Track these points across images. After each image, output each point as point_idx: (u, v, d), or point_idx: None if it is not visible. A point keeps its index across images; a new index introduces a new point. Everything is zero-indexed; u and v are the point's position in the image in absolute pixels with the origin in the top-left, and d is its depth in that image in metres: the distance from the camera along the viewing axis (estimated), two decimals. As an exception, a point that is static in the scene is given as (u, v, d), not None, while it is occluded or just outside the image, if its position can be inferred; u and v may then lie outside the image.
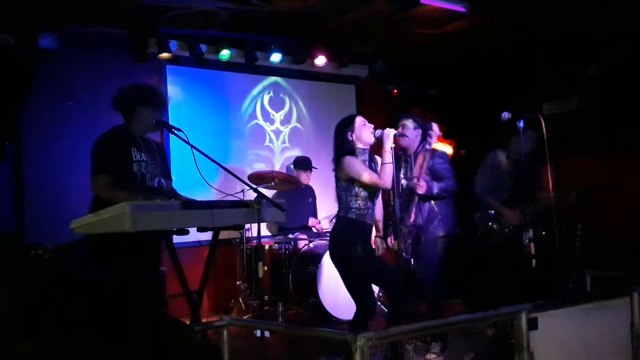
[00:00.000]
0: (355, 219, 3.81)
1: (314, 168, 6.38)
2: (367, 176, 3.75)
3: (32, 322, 3.53)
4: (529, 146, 4.94)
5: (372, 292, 3.94)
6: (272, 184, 5.68)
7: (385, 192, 4.14)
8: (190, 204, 3.28)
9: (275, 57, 6.58)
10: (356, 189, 3.81)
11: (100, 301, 3.27)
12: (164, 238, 3.46)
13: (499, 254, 5.01)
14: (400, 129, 4.45)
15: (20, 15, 5.15)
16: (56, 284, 3.46)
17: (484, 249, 5.15)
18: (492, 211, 5.06)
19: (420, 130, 4.56)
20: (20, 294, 3.69)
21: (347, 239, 3.79)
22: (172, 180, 4.01)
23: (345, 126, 3.92)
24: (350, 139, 3.87)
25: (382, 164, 3.77)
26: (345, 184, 3.83)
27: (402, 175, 4.57)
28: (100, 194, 3.39)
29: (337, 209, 3.93)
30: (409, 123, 4.52)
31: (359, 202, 3.82)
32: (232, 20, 5.81)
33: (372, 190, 3.86)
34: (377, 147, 3.91)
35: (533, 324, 2.48)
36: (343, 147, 3.88)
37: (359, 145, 3.88)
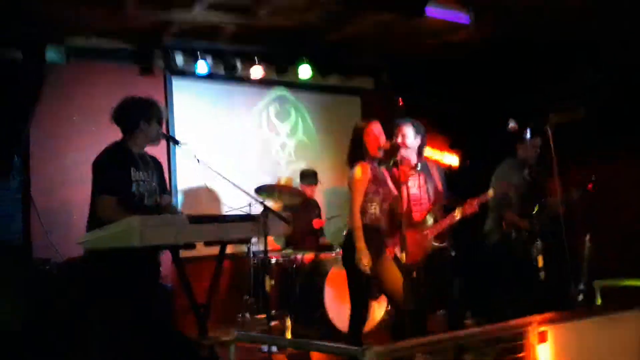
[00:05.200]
0: (368, 224, 3.82)
1: (319, 182, 6.37)
2: (354, 202, 3.82)
3: (37, 338, 3.52)
4: (535, 155, 4.93)
5: (368, 301, 3.96)
6: (277, 197, 5.67)
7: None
8: (197, 219, 3.28)
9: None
10: (370, 194, 3.83)
11: (105, 317, 3.26)
12: (172, 253, 3.45)
13: (512, 265, 4.97)
14: (399, 138, 4.43)
15: (27, 30, 5.19)
16: (63, 299, 3.47)
17: (498, 258, 5.09)
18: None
19: (419, 137, 4.52)
20: (27, 309, 3.69)
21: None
22: (169, 194, 3.99)
23: (357, 131, 3.98)
24: (361, 145, 3.92)
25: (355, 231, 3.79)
26: (351, 193, 3.85)
27: (414, 185, 4.53)
28: (105, 215, 3.34)
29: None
30: (410, 131, 4.47)
31: (374, 206, 3.84)
32: (237, 33, 5.85)
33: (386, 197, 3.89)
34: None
35: (542, 337, 2.47)
36: (354, 152, 3.95)
37: (369, 153, 3.91)
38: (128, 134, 3.69)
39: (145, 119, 3.66)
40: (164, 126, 5.96)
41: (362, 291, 3.86)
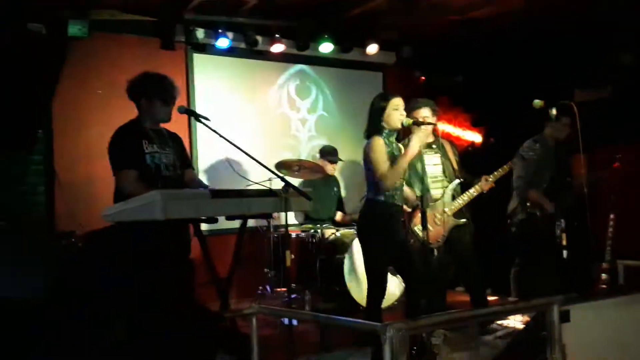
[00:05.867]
0: (385, 201, 3.81)
1: (340, 160, 6.36)
2: (380, 168, 3.75)
3: (61, 309, 3.59)
4: (564, 134, 4.83)
5: (386, 277, 3.94)
6: (297, 172, 5.68)
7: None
8: (219, 193, 3.29)
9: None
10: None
11: (130, 289, 3.31)
12: (194, 226, 3.48)
13: (535, 243, 4.93)
14: (421, 120, 4.40)
15: (50, 4, 5.20)
16: (87, 272, 3.52)
17: (522, 237, 5.06)
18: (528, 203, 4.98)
19: (435, 118, 4.54)
20: (50, 281, 3.76)
21: (375, 221, 3.82)
22: (192, 168, 4.00)
23: (380, 102, 3.90)
24: (381, 118, 3.86)
25: (396, 161, 3.75)
26: (373, 165, 3.82)
27: (431, 162, 4.55)
28: (128, 189, 3.39)
29: (366, 190, 3.93)
30: (428, 112, 4.47)
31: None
32: (258, 8, 5.80)
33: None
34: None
35: (565, 317, 2.44)
36: (372, 125, 3.89)
37: (387, 127, 3.87)
38: (138, 110, 3.71)
39: (146, 97, 3.66)
40: (185, 100, 6.09)
41: (378, 266, 3.85)
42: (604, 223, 4.89)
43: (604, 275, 4.73)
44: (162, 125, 3.82)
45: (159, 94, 3.67)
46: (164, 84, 3.72)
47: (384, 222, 3.81)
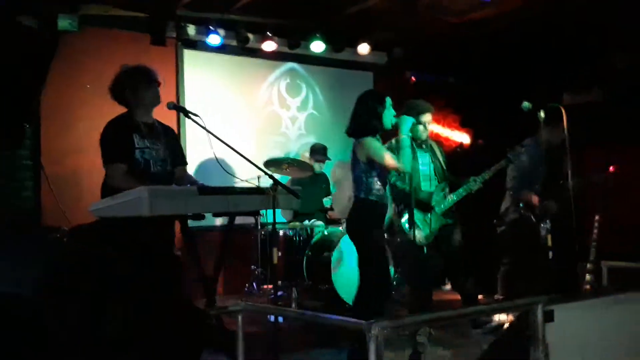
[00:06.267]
0: (376, 201, 3.81)
1: (328, 159, 6.37)
2: (388, 159, 3.73)
3: (47, 303, 3.57)
4: (558, 137, 4.83)
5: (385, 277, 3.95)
6: (287, 170, 5.68)
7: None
8: (206, 190, 3.29)
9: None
10: (377, 170, 3.80)
11: (116, 284, 3.30)
12: (181, 223, 3.47)
13: (524, 244, 4.95)
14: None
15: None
16: (74, 267, 3.50)
17: (512, 237, 5.07)
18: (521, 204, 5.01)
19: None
20: (37, 275, 3.73)
21: (367, 220, 3.82)
22: (186, 164, 4.00)
23: (375, 102, 3.86)
24: (378, 117, 3.82)
25: (400, 148, 3.77)
26: (365, 165, 3.80)
27: (422, 162, 4.59)
28: (116, 183, 3.39)
29: (354, 190, 3.92)
30: (430, 117, 4.51)
31: (379, 183, 3.82)
32: (250, 5, 5.79)
33: (390, 173, 3.87)
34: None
35: (549, 316, 2.46)
36: (367, 125, 3.83)
37: (380, 127, 3.87)
38: (127, 106, 3.70)
39: (129, 86, 3.66)
40: (174, 96, 6.06)
41: (372, 263, 3.86)
42: (589, 224, 4.93)
43: (588, 276, 4.77)
44: (155, 117, 3.80)
45: (139, 77, 3.68)
46: (140, 67, 3.74)
47: (374, 220, 3.82)
